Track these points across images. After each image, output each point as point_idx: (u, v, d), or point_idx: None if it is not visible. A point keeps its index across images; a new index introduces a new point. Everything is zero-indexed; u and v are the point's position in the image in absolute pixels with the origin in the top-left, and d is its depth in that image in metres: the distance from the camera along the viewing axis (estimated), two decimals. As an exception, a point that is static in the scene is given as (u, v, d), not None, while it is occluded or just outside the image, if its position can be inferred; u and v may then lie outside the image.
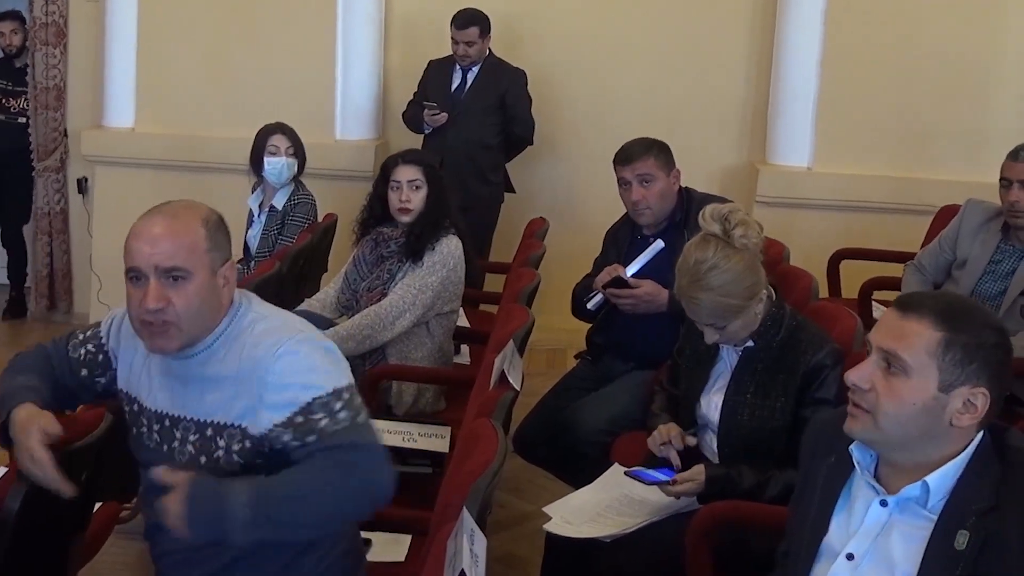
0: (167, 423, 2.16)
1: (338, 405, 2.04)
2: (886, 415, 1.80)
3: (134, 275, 2.06)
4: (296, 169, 4.79)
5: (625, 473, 2.76)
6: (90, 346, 2.31)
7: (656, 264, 3.50)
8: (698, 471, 2.65)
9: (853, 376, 1.83)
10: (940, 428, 1.79)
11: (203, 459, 2.10)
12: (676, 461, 2.77)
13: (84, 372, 2.30)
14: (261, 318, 2.16)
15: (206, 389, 2.11)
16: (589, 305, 3.61)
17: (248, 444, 2.07)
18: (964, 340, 1.77)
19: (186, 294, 2.05)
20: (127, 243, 2.08)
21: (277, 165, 4.72)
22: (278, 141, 4.76)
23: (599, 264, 3.75)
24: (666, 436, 2.83)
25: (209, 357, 2.12)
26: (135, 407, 2.23)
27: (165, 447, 2.15)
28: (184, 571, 2.17)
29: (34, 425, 2.10)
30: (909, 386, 1.78)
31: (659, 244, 3.51)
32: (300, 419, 2.03)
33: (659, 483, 2.66)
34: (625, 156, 3.62)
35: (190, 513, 1.89)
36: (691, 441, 2.82)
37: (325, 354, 2.12)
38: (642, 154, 3.60)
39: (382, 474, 2.02)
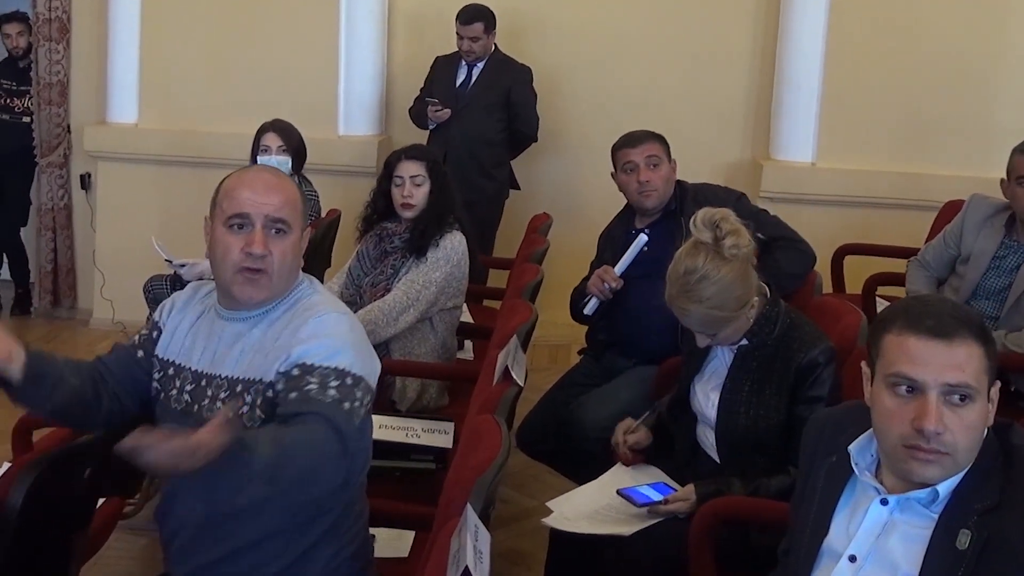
0: (202, 383, 2.19)
1: (334, 382, 2.05)
2: (966, 449, 1.75)
3: (239, 222, 2.14)
4: (290, 166, 4.77)
5: (617, 492, 2.76)
6: (144, 330, 2.37)
7: (643, 258, 3.51)
8: (689, 491, 2.66)
9: (931, 424, 1.71)
10: (984, 434, 1.79)
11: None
12: (621, 449, 2.92)
13: (141, 353, 2.33)
14: (318, 292, 2.25)
15: (246, 350, 2.16)
16: (585, 310, 3.64)
17: (270, 394, 2.10)
18: (992, 343, 1.77)
19: (283, 247, 2.15)
20: (231, 192, 2.16)
21: (268, 164, 4.71)
22: (269, 140, 4.75)
23: (595, 267, 3.76)
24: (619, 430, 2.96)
25: (264, 320, 2.18)
26: (170, 371, 2.26)
27: (195, 407, 2.18)
28: (193, 553, 2.18)
29: None
30: (976, 411, 1.74)
31: (642, 239, 3.52)
32: (296, 372, 2.06)
33: (650, 504, 2.68)
34: (631, 139, 3.67)
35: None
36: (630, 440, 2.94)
37: (358, 344, 2.16)
38: (648, 138, 3.67)
39: (341, 461, 1.99)
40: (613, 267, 3.60)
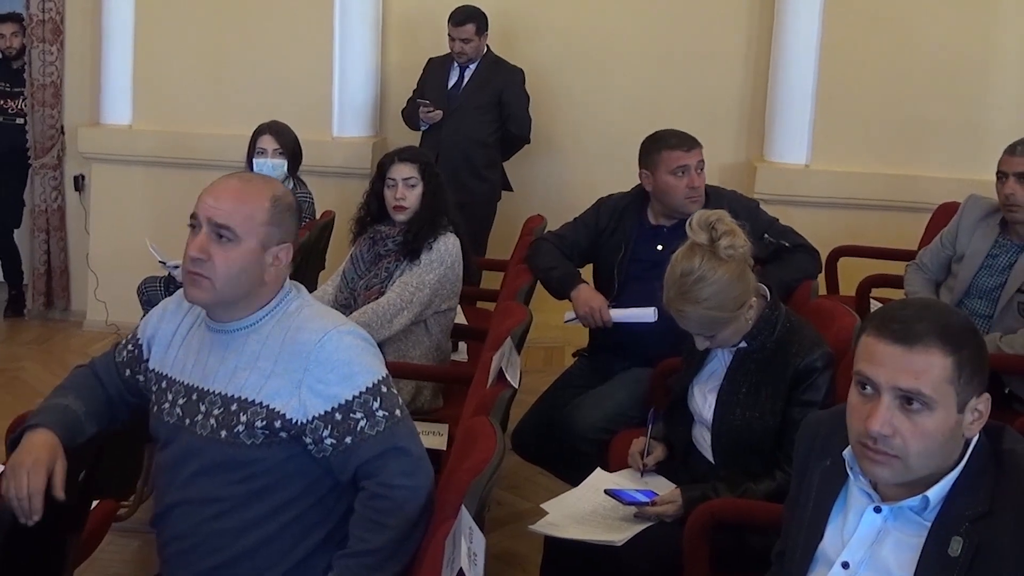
0: (194, 396, 2.19)
1: (376, 403, 2.11)
2: (917, 455, 1.73)
3: (193, 223, 2.15)
4: (285, 170, 4.76)
5: (605, 491, 2.77)
6: (130, 346, 2.37)
7: (647, 257, 3.53)
8: (675, 494, 2.67)
9: (876, 426, 1.70)
10: (955, 443, 1.76)
11: (223, 433, 2.13)
12: (638, 465, 2.90)
13: (127, 372, 2.37)
14: (308, 305, 2.23)
15: (240, 366, 2.15)
16: (565, 320, 3.67)
17: (277, 423, 2.10)
18: (968, 355, 1.73)
19: (227, 256, 2.12)
20: (200, 194, 2.18)
21: (264, 167, 4.69)
22: (266, 143, 4.74)
23: (581, 225, 3.77)
24: (634, 450, 2.95)
25: (252, 333, 2.17)
26: (163, 384, 2.26)
27: (187, 420, 2.17)
28: (190, 561, 2.17)
29: (46, 468, 2.14)
30: (934, 419, 1.72)
31: (651, 315, 3.41)
32: (339, 416, 2.09)
33: (637, 504, 2.68)
34: (685, 142, 3.64)
35: None
36: (650, 461, 2.92)
37: (365, 346, 2.18)
38: (697, 143, 3.66)
39: (418, 477, 2.12)
40: (615, 252, 3.63)
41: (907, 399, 1.72)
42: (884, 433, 1.72)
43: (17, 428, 2.45)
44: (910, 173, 5.53)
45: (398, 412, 2.14)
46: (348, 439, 2.09)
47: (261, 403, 2.11)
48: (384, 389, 2.14)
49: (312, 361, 2.10)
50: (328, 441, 2.10)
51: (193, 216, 2.15)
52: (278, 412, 2.10)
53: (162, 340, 2.30)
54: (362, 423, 2.09)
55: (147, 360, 2.32)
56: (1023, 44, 5.50)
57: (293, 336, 2.14)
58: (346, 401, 2.09)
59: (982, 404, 1.76)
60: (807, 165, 5.66)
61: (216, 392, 2.16)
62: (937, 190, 5.14)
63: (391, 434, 2.11)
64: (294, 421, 2.10)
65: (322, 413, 2.09)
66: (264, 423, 2.10)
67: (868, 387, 1.75)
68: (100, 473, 2.45)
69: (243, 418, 2.11)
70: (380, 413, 2.11)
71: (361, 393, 2.11)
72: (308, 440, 2.11)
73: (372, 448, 2.10)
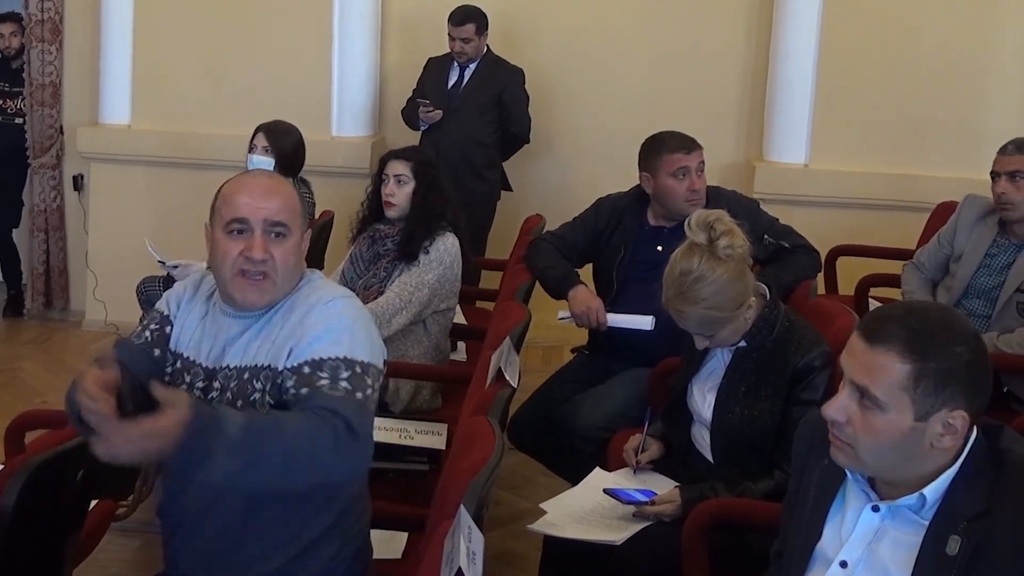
0: (212, 379, 2.19)
1: (344, 374, 2.07)
2: (865, 448, 1.76)
3: (238, 227, 2.14)
4: (271, 168, 4.73)
5: (604, 490, 2.77)
6: (153, 325, 2.32)
7: (647, 259, 3.52)
8: (674, 494, 2.67)
9: (830, 410, 1.78)
10: (922, 452, 1.76)
11: (239, 403, 2.13)
12: (632, 461, 2.90)
13: (157, 352, 2.30)
14: (324, 286, 2.25)
15: (254, 340, 2.17)
16: (559, 318, 3.67)
17: (279, 380, 2.11)
18: (934, 367, 1.70)
19: (284, 250, 2.16)
20: (229, 197, 2.17)
21: (251, 163, 4.69)
22: (257, 140, 4.73)
23: (580, 225, 3.76)
24: (629, 447, 2.94)
25: (272, 317, 2.18)
26: (179, 363, 2.26)
27: (203, 399, 2.17)
28: (197, 546, 2.18)
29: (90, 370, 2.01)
30: (885, 420, 1.73)
31: (648, 324, 3.43)
32: (307, 370, 2.07)
33: (636, 503, 2.68)
34: (685, 144, 3.62)
35: (190, 422, 1.78)
36: (644, 458, 2.92)
37: (366, 328, 2.18)
38: (697, 144, 3.65)
39: (353, 451, 1.98)
40: (615, 253, 3.64)
41: (860, 394, 1.76)
42: (837, 419, 1.78)
43: (18, 428, 2.46)
44: (909, 172, 5.54)
45: (360, 396, 2.07)
46: (304, 390, 2.05)
47: (269, 365, 2.13)
48: (359, 371, 2.08)
49: (314, 312, 2.13)
50: (289, 389, 2.07)
51: (239, 220, 2.14)
52: (277, 370, 2.11)
53: (179, 322, 2.30)
54: (323, 382, 2.04)
55: (170, 338, 2.31)
56: (1022, 44, 5.51)
57: (304, 300, 2.17)
58: (319, 359, 2.07)
59: (957, 420, 1.73)
60: (806, 165, 5.67)
61: (232, 367, 2.17)
62: (936, 189, 5.14)
63: (347, 405, 2.02)
64: (279, 370, 2.10)
65: (293, 366, 2.08)
66: (271, 385, 2.11)
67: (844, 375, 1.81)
68: (99, 473, 2.45)
69: (256, 385, 2.13)
70: (343, 385, 2.05)
71: (335, 358, 2.07)
72: (284, 386, 2.09)
73: (326, 403, 2.00)
